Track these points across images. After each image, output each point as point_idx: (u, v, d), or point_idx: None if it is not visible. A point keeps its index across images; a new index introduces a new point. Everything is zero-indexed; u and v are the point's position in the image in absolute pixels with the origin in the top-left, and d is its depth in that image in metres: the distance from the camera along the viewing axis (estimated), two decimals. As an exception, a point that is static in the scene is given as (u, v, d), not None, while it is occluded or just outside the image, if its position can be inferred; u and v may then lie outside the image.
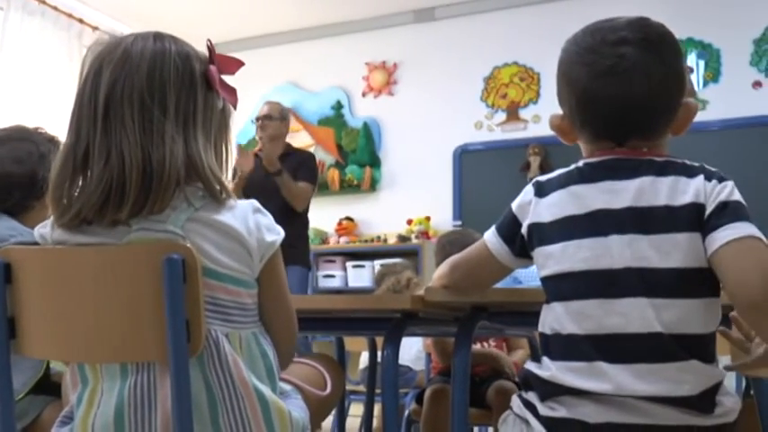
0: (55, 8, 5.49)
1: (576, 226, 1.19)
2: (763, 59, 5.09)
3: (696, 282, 1.12)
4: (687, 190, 1.14)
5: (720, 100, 5.10)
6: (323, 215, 5.62)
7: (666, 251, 1.12)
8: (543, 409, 1.17)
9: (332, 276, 5.71)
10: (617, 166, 1.20)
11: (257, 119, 4.07)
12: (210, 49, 1.23)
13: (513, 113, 5.72)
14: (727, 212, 1.11)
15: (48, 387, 1.69)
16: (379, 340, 1.86)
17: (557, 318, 1.19)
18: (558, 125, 1.30)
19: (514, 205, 1.31)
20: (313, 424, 1.32)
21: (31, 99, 5.15)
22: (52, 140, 1.89)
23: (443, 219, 5.69)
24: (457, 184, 5.73)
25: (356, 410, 3.51)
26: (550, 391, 1.16)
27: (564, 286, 1.19)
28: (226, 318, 1.16)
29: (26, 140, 1.85)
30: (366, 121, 6.07)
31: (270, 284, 1.23)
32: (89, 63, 1.18)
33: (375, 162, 6.04)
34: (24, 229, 1.72)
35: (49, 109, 5.06)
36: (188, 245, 1.09)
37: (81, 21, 5.68)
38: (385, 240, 5.80)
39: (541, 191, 1.26)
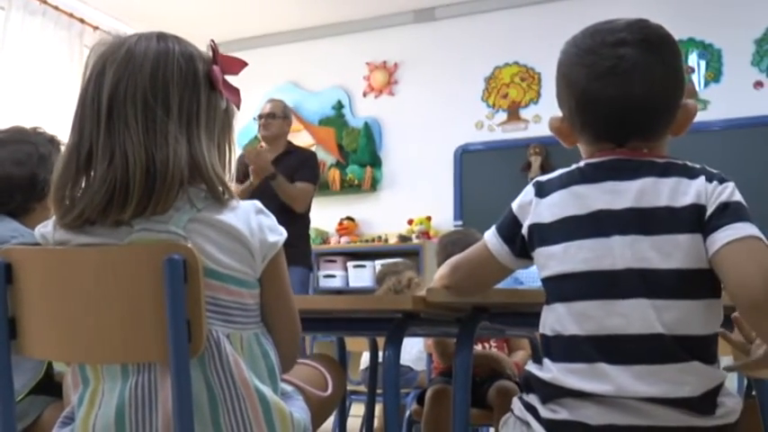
0: (56, 8, 5.49)
1: (577, 226, 1.18)
2: (764, 59, 5.09)
3: (697, 283, 1.12)
4: (688, 191, 1.14)
5: (722, 100, 5.10)
6: (324, 215, 5.62)
7: (667, 252, 1.12)
8: (545, 412, 1.16)
9: (333, 276, 5.70)
10: (619, 167, 1.20)
11: (260, 117, 4.04)
12: (214, 49, 1.23)
13: (513, 113, 5.72)
14: (728, 213, 1.11)
15: (48, 388, 1.69)
16: (381, 340, 1.85)
17: (558, 319, 1.18)
18: (557, 127, 1.30)
19: (515, 205, 1.30)
20: (314, 425, 1.32)
21: (32, 99, 5.16)
22: (52, 141, 1.89)
23: (444, 219, 5.69)
24: (458, 184, 5.72)
25: (357, 411, 3.50)
26: (552, 393, 1.16)
27: (565, 287, 1.18)
28: (227, 318, 1.15)
29: (26, 142, 1.84)
30: (367, 120, 6.07)
31: (272, 285, 1.23)
32: (92, 63, 1.18)
33: (376, 162, 6.04)
34: (26, 230, 1.71)
35: (51, 109, 5.06)
36: (189, 245, 1.09)
37: (82, 20, 5.69)
38: (386, 240, 5.80)
39: (542, 191, 1.25)
